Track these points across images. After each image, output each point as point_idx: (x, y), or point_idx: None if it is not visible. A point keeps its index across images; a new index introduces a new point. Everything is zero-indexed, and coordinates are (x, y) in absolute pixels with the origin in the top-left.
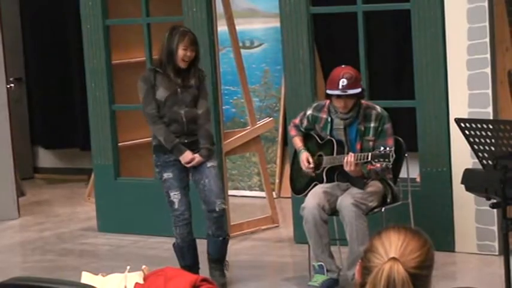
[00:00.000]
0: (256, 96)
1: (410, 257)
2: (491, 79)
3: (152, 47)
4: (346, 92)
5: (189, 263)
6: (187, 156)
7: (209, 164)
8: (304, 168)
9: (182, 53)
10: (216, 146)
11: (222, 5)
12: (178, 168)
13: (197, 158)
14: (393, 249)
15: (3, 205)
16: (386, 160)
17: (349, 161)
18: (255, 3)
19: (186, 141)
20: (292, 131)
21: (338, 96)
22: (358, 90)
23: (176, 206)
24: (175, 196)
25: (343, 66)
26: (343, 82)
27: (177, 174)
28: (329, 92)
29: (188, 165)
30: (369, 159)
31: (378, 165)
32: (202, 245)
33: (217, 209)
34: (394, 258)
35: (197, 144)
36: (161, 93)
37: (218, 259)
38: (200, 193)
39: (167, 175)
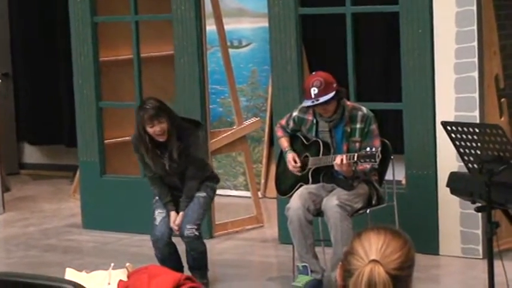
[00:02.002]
0: (244, 95)
1: (391, 259)
2: (478, 83)
3: (140, 44)
4: (318, 100)
5: (172, 266)
6: (172, 217)
7: (197, 194)
8: (290, 167)
9: (151, 131)
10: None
11: (210, 4)
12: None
13: (178, 220)
14: (373, 251)
15: None
16: (373, 160)
17: (344, 163)
18: (244, 3)
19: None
20: (279, 132)
21: (313, 105)
22: (331, 95)
23: (157, 222)
24: (160, 214)
25: (313, 73)
26: (314, 91)
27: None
28: (304, 104)
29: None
30: (355, 159)
31: (368, 166)
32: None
33: (185, 234)
34: (374, 261)
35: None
36: (153, 169)
37: (196, 268)
38: None
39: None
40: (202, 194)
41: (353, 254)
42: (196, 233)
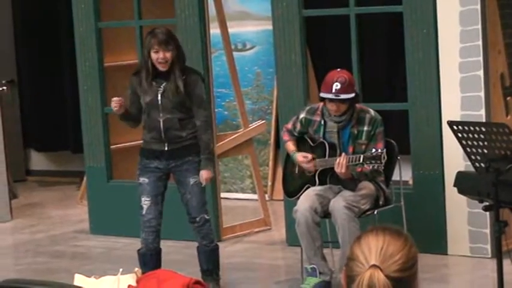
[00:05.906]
0: (249, 98)
1: (391, 261)
2: (483, 82)
3: None
4: (339, 96)
5: (149, 270)
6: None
7: (192, 181)
8: (304, 165)
9: (154, 56)
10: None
11: (214, 7)
12: (156, 176)
13: (205, 175)
14: (373, 255)
15: None
16: (378, 162)
17: (341, 162)
18: (248, 6)
19: (166, 149)
20: (285, 136)
21: (330, 100)
22: (352, 95)
23: (144, 212)
24: (145, 202)
25: (338, 70)
26: (336, 86)
27: (153, 181)
28: (322, 95)
29: (114, 108)
30: (361, 161)
31: (369, 167)
32: (187, 249)
33: (197, 219)
34: (374, 266)
35: (180, 153)
36: (144, 100)
37: (209, 269)
38: (184, 205)
39: (143, 180)
40: (197, 179)
41: (353, 260)
42: (207, 217)
